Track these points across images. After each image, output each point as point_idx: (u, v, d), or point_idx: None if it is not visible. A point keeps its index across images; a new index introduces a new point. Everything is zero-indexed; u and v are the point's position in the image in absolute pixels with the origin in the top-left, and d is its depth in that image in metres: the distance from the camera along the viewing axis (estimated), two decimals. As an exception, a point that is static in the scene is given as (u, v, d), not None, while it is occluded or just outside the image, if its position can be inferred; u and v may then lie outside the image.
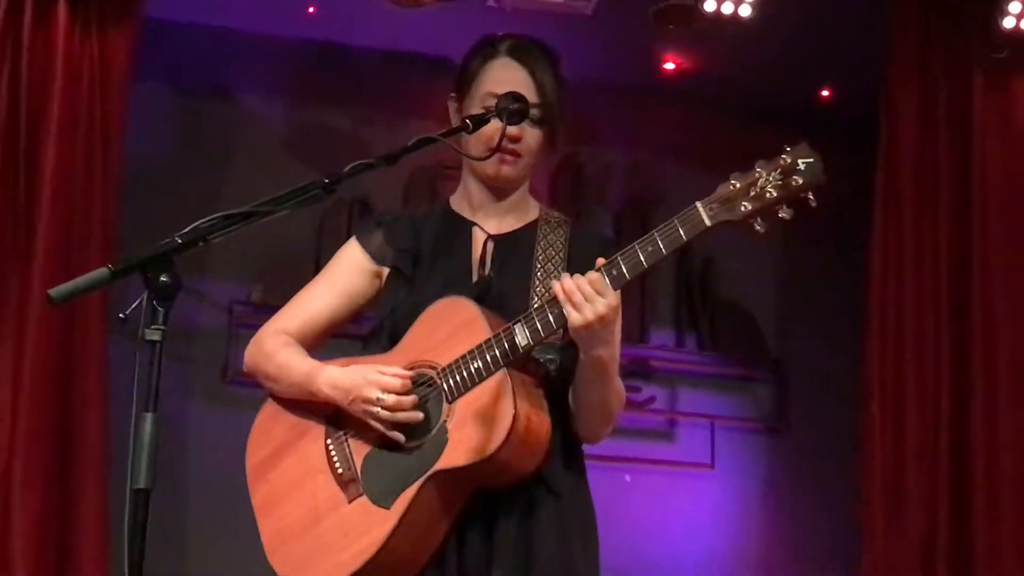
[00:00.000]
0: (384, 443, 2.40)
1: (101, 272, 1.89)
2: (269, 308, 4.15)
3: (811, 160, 2.18)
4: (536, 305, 2.35)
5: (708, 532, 5.88)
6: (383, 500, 2.34)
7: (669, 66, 5.84)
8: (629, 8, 5.24)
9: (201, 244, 2.00)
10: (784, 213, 2.19)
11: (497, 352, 2.30)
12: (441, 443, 2.32)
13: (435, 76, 4.41)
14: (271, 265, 5.51)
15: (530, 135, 2.53)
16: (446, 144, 2.42)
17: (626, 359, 2.44)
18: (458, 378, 2.34)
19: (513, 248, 2.56)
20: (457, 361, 2.34)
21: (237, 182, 5.58)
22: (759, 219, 2.20)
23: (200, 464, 5.26)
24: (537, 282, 2.47)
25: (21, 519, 4.30)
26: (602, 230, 4.61)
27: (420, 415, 2.36)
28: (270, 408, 2.59)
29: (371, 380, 2.37)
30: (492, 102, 2.48)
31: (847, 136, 5.22)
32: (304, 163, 5.66)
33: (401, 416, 2.35)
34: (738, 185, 2.21)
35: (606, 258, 2.27)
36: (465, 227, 2.60)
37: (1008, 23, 4.96)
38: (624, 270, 2.25)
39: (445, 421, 2.34)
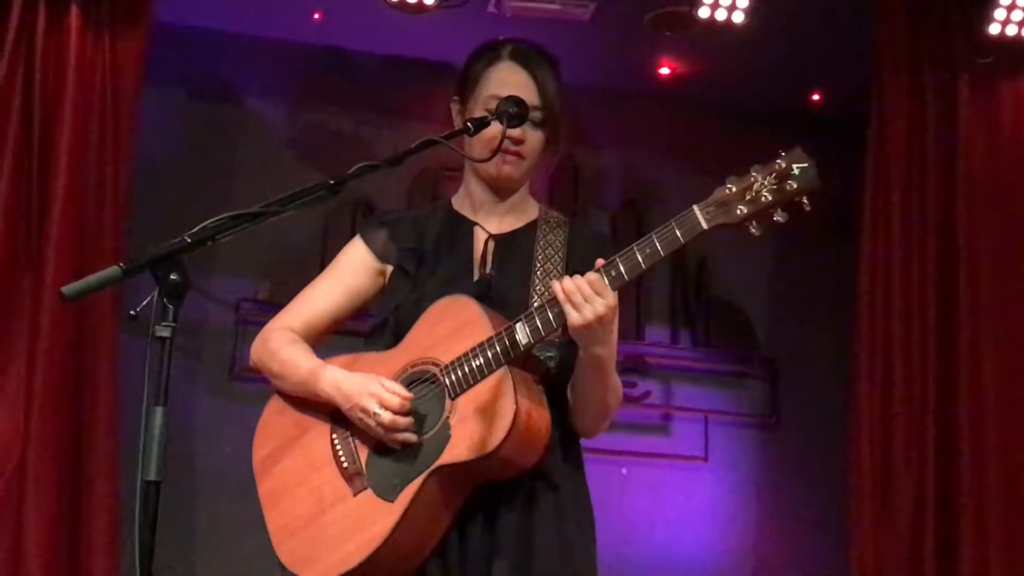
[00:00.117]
0: (388, 439, 2.40)
1: (112, 270, 1.89)
2: (275, 305, 4.14)
3: (805, 165, 2.18)
4: (536, 304, 2.35)
5: (701, 523, 5.88)
6: (388, 493, 2.34)
7: (664, 71, 5.83)
8: (626, 15, 5.23)
9: (209, 243, 2.00)
10: (779, 216, 2.19)
11: (498, 349, 2.30)
12: (444, 438, 2.32)
13: (437, 80, 4.42)
14: (277, 264, 5.50)
15: (532, 137, 2.53)
16: (448, 146, 2.42)
17: (622, 355, 2.44)
18: (460, 375, 2.33)
19: (513, 247, 2.55)
20: (459, 358, 2.34)
21: (245, 183, 5.57)
22: (754, 222, 2.20)
23: (208, 456, 5.25)
24: (537, 281, 2.47)
25: (35, 510, 4.30)
26: (599, 230, 4.60)
27: (414, 437, 2.35)
28: (276, 404, 2.58)
29: (372, 392, 2.36)
30: (495, 105, 2.47)
31: (837, 138, 5.21)
32: (309, 165, 5.66)
33: (395, 436, 2.35)
34: (734, 189, 2.20)
35: (604, 258, 2.27)
36: (466, 227, 2.60)
37: (993, 29, 4.95)
38: (623, 271, 2.25)
39: (448, 417, 2.33)
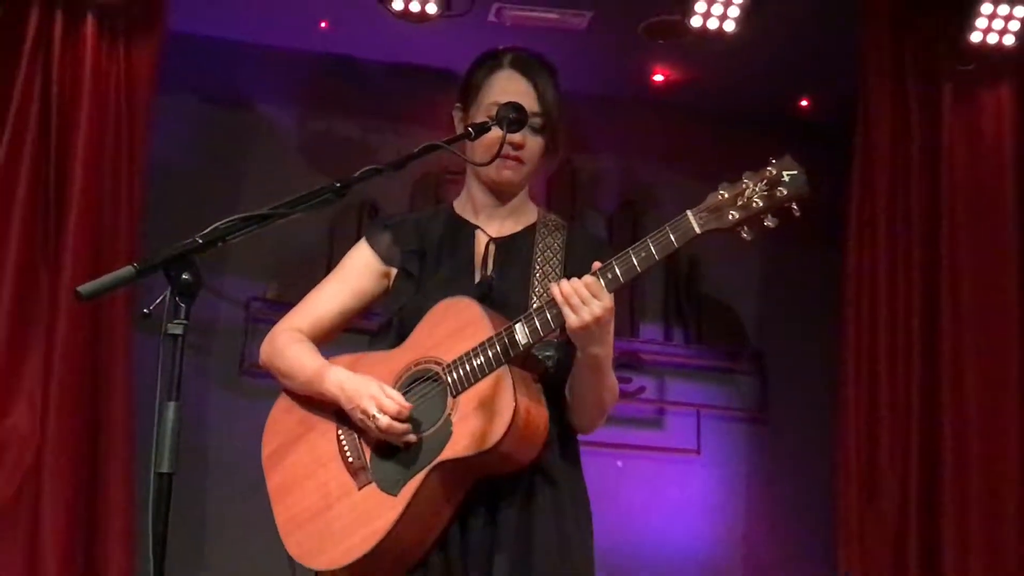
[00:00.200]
0: (392, 435, 2.39)
1: (127, 270, 1.89)
2: (284, 304, 4.15)
3: (795, 172, 2.18)
4: (535, 305, 2.35)
5: (694, 514, 5.87)
6: (391, 487, 2.34)
7: (658, 78, 5.83)
8: (621, 24, 5.23)
9: (220, 244, 1.99)
10: (769, 222, 2.19)
11: (499, 349, 2.30)
12: (446, 434, 2.31)
13: (440, 87, 4.43)
14: (285, 264, 5.49)
15: (532, 143, 2.53)
16: (450, 151, 2.41)
17: (617, 352, 2.43)
18: (461, 373, 2.33)
19: (513, 250, 2.55)
20: (461, 357, 2.34)
21: (254, 186, 5.56)
22: (746, 227, 2.20)
23: (219, 449, 5.25)
24: (536, 283, 2.46)
25: (52, 502, 4.29)
26: (596, 233, 4.60)
27: (413, 438, 2.34)
28: (284, 401, 2.58)
29: (372, 395, 2.36)
30: (496, 111, 2.47)
31: (825, 143, 5.21)
32: (316, 169, 5.65)
33: (390, 439, 2.35)
34: (726, 195, 2.20)
35: (601, 260, 2.27)
36: (468, 230, 2.59)
37: (975, 37, 4.94)
38: (618, 274, 2.24)
39: (450, 414, 2.33)
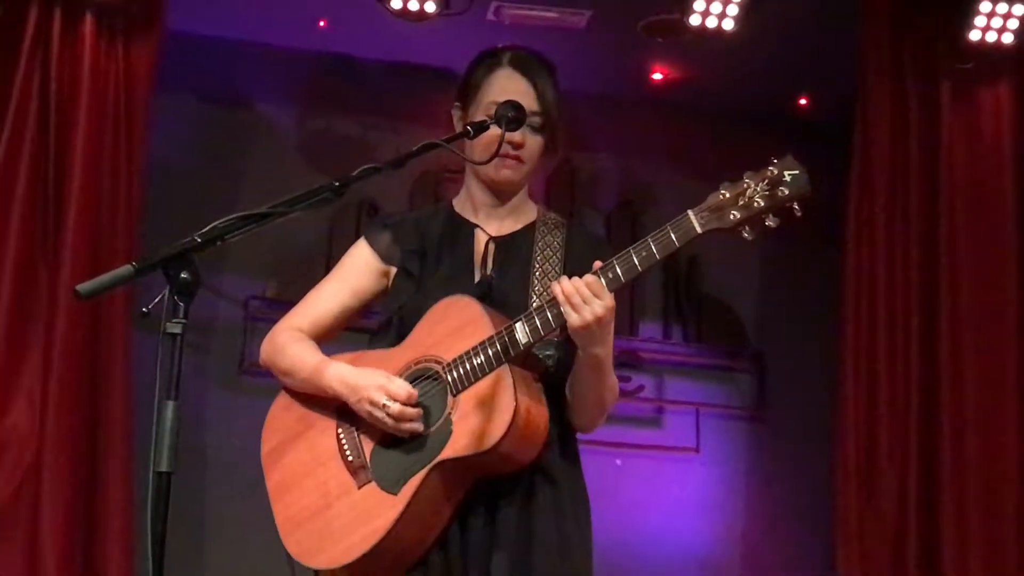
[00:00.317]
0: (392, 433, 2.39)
1: (125, 269, 1.88)
2: (283, 303, 4.15)
3: (797, 172, 2.17)
4: (536, 305, 2.34)
5: (693, 512, 5.87)
6: (391, 486, 2.33)
7: (657, 76, 5.82)
8: (619, 22, 5.23)
9: (219, 243, 1.99)
10: (771, 222, 2.18)
11: (499, 348, 2.29)
12: (446, 433, 2.31)
13: (439, 86, 4.41)
14: (284, 263, 5.49)
15: (531, 142, 2.52)
16: (449, 149, 2.41)
17: (617, 350, 2.42)
18: (462, 372, 2.32)
19: (513, 249, 2.54)
20: (461, 356, 2.33)
21: (253, 185, 5.56)
22: (747, 227, 2.20)
23: (218, 448, 5.24)
24: (535, 281, 2.46)
25: (51, 501, 4.28)
26: (596, 231, 4.60)
27: (420, 427, 2.34)
28: (283, 399, 2.57)
29: (379, 385, 2.35)
30: (495, 110, 2.46)
31: (823, 141, 5.20)
32: (315, 167, 5.65)
33: (404, 426, 2.34)
34: (728, 195, 2.20)
35: (601, 259, 2.26)
36: (467, 229, 2.58)
37: (974, 36, 4.94)
38: (619, 273, 2.24)
39: (450, 413, 2.32)
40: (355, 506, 2.36)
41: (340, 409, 2.45)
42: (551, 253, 2.51)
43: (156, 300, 1.90)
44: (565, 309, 2.23)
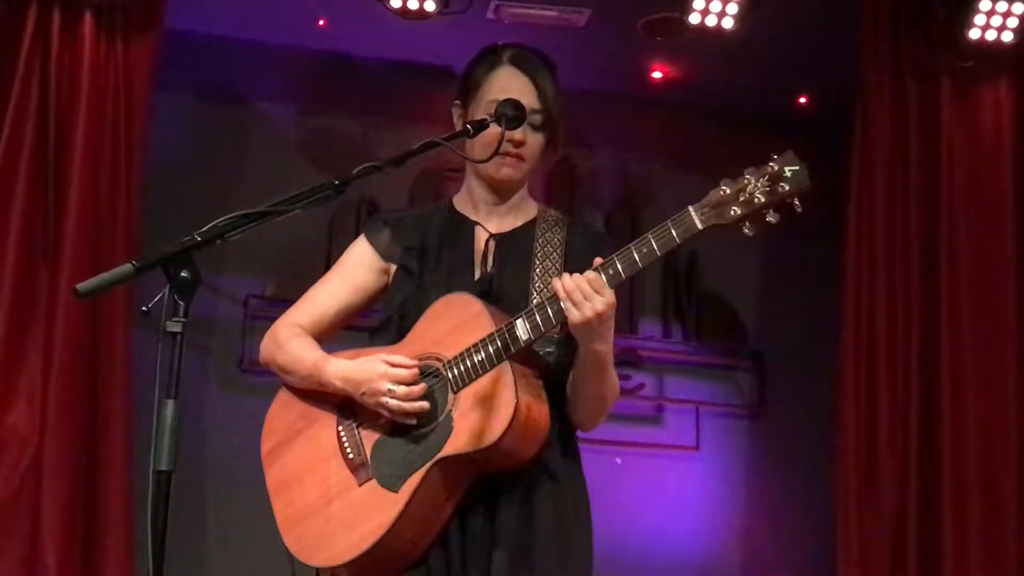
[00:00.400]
0: (393, 430, 2.39)
1: (125, 268, 1.88)
2: (282, 301, 4.14)
3: (797, 168, 2.18)
4: (536, 301, 2.34)
5: (693, 510, 5.87)
6: (392, 484, 2.33)
7: (657, 75, 5.82)
8: (619, 21, 5.22)
9: (219, 241, 1.99)
10: (771, 217, 2.19)
11: (499, 345, 2.29)
12: (447, 430, 2.31)
13: (439, 84, 4.41)
14: (284, 261, 5.48)
15: (532, 140, 2.52)
16: (449, 147, 2.41)
17: (616, 348, 2.42)
18: (462, 369, 2.32)
19: (513, 246, 2.54)
20: (462, 353, 2.33)
21: (253, 184, 5.55)
22: (748, 223, 2.20)
23: (218, 447, 5.24)
24: (536, 278, 2.46)
25: (51, 501, 4.28)
26: (596, 227, 4.59)
27: (427, 404, 2.34)
28: (283, 397, 2.57)
29: (382, 373, 2.35)
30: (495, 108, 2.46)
31: (823, 139, 5.20)
32: (315, 166, 5.64)
33: (410, 406, 2.34)
34: (728, 191, 2.20)
35: (601, 255, 2.27)
36: (468, 226, 2.58)
37: (974, 34, 4.93)
38: (620, 269, 2.24)
39: (450, 410, 2.32)
40: (355, 504, 2.36)
41: (340, 406, 2.45)
42: (551, 250, 2.51)
43: (156, 299, 1.90)
44: (566, 305, 2.23)
